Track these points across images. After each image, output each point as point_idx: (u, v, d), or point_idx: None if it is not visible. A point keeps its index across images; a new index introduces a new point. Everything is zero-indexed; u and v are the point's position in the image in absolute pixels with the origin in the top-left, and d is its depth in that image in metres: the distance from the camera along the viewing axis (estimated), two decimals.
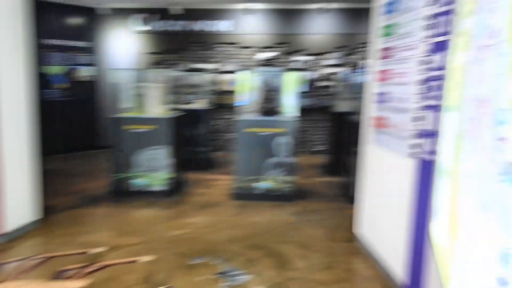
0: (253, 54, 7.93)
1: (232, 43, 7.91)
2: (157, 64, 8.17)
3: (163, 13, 8.06)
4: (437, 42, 2.18)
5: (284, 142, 4.67)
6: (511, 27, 0.85)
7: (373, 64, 3.24)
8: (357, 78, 6.56)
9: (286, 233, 3.81)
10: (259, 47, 7.88)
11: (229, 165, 6.66)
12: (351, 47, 7.75)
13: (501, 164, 0.93)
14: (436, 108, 2.16)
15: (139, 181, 4.82)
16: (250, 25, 7.83)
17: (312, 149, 8.15)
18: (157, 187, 4.84)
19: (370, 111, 3.28)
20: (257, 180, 4.77)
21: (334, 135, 6.37)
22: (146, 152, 4.77)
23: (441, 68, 2.13)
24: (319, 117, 8.06)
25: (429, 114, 2.25)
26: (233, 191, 4.85)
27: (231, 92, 7.92)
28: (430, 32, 2.28)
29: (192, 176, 5.87)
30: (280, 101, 5.29)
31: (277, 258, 3.27)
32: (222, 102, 8.00)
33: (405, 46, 2.64)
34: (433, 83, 2.22)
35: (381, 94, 3.02)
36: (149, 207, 4.54)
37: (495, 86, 0.94)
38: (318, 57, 7.86)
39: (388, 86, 2.90)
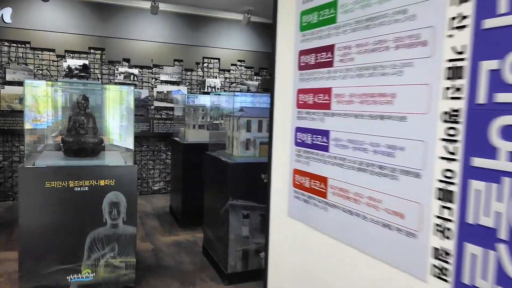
0: (56, 60, 5.62)
1: (23, 42, 5.40)
2: None
3: None
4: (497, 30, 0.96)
5: (116, 202, 2.83)
6: None
7: (286, 78, 1.88)
8: (205, 100, 5.21)
9: None
10: (66, 52, 5.63)
11: (15, 234, 4.21)
12: (193, 61, 6.36)
13: None
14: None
15: None
16: (51, 19, 5.52)
17: (152, 188, 6.31)
18: None
19: (283, 158, 1.89)
20: (69, 270, 2.74)
21: (180, 171, 4.78)
22: None
23: None
24: (157, 146, 6.32)
25: (482, 187, 1.00)
26: None
27: (19, 113, 5.37)
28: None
29: None
30: (101, 131, 3.44)
31: None
32: (4, 127, 5.37)
33: (383, 41, 1.35)
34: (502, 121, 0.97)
35: (312, 132, 1.67)
36: None
37: None
38: (151, 70, 6.16)
39: (332, 119, 1.57)
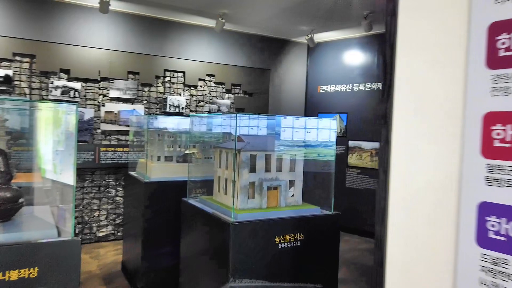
0: None
1: None
2: None
3: None
4: None
5: None
6: None
7: (439, 88, 0.86)
8: (167, 122, 4.06)
9: None
10: None
11: None
12: (152, 74, 5.19)
13: None
14: None
15: None
16: None
17: (96, 235, 4.93)
18: None
19: (430, 272, 0.85)
20: None
21: (140, 219, 3.53)
22: None
23: None
24: (104, 181, 4.98)
25: None
26: None
27: None
28: None
29: None
30: (31, 164, 2.23)
31: None
32: None
33: None
34: None
35: None
36: None
37: None
38: (98, 85, 4.90)
39: None
